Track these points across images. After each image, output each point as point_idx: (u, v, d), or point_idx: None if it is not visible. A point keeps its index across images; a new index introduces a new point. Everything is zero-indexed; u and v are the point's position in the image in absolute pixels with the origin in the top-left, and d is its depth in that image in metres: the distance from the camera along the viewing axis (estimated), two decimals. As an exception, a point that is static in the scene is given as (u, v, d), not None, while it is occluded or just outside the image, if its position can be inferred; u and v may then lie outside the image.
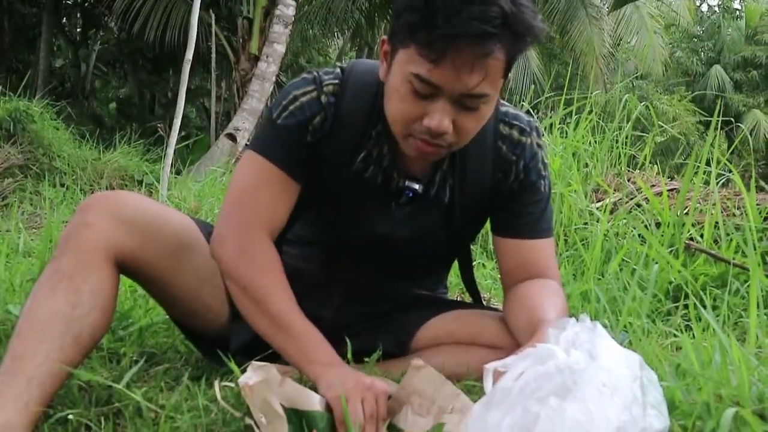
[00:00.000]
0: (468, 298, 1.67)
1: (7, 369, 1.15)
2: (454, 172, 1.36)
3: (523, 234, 1.39)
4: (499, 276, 1.49)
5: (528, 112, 3.79)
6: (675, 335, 1.57)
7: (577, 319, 1.09)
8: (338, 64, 1.39)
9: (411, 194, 1.36)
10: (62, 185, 5.72)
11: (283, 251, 1.41)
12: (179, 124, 5.80)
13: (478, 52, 1.09)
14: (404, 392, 1.19)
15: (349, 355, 1.32)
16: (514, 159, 1.36)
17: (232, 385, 1.24)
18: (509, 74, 1.21)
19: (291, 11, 8.63)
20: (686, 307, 1.80)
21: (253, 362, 1.20)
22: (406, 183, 1.36)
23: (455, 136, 1.20)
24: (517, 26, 1.11)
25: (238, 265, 1.30)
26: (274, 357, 1.34)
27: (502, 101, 1.36)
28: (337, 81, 1.34)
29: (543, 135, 1.38)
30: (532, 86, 10.65)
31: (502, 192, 1.38)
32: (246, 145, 7.52)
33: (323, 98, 1.32)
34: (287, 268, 1.32)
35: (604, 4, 13.25)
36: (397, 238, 1.40)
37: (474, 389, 1.26)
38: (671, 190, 2.82)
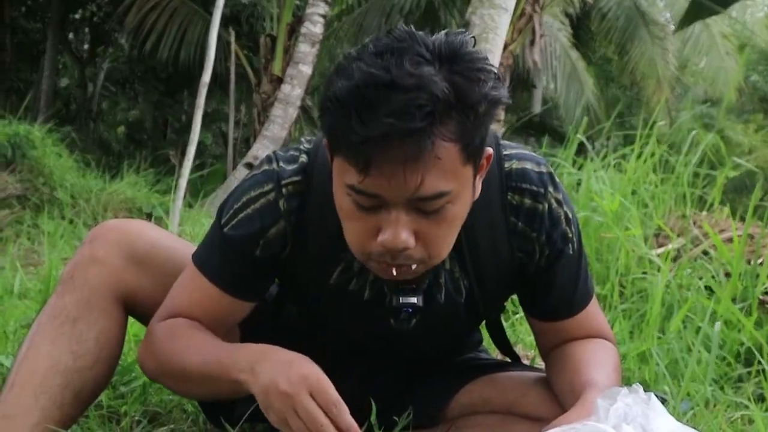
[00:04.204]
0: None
1: (-1, 427, 1.18)
2: (466, 269, 1.27)
3: (560, 315, 1.33)
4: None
5: (582, 143, 3.79)
6: (746, 406, 1.55)
7: (630, 389, 1.09)
8: (304, 144, 1.26)
9: (410, 310, 1.24)
10: (63, 218, 5.80)
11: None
12: (194, 151, 5.85)
13: (407, 153, 0.98)
14: None
15: (373, 418, 1.32)
16: (534, 236, 1.25)
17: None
18: (483, 150, 1.09)
19: (319, 29, 8.72)
20: (760, 373, 1.78)
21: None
22: (401, 300, 1.22)
23: (423, 250, 1.09)
24: (462, 103, 1.00)
25: (147, 353, 1.29)
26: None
27: (504, 147, 1.25)
28: (300, 177, 1.22)
29: (557, 182, 1.26)
30: (585, 116, 10.65)
31: (528, 271, 1.29)
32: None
33: (282, 204, 1.21)
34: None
35: (669, 22, 13.25)
36: (406, 348, 1.34)
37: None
38: (745, 235, 2.79)
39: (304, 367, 1.09)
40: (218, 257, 1.25)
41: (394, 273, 1.11)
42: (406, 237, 1.05)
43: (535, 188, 1.23)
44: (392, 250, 1.06)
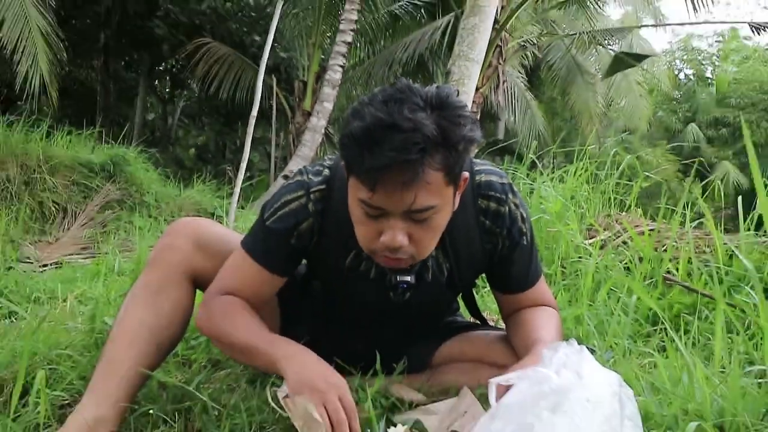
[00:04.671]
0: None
1: (102, 370, 1.18)
2: (447, 256, 1.27)
3: (517, 289, 1.33)
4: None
5: (533, 162, 3.78)
6: (652, 355, 1.55)
7: (568, 343, 1.09)
8: (327, 162, 1.27)
9: (406, 286, 1.25)
10: (150, 216, 5.83)
11: (302, 311, 1.38)
12: (245, 167, 5.87)
13: (405, 177, 1.01)
14: (455, 413, 1.19)
15: (378, 366, 1.32)
16: (498, 230, 1.25)
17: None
18: (460, 176, 1.11)
19: (338, 76, 8.72)
20: (662, 331, 1.77)
21: None
22: (399, 278, 1.24)
23: (414, 248, 1.11)
24: (444, 143, 1.02)
25: (204, 320, 1.27)
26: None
27: (476, 164, 1.25)
28: (324, 186, 1.22)
29: (516, 191, 1.27)
30: (536, 141, 10.62)
31: (494, 258, 1.29)
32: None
33: (311, 206, 1.22)
34: (312, 324, 1.28)
35: (597, 72, 13.21)
36: (404, 312, 1.33)
37: (481, 399, 1.26)
38: (652, 230, 2.78)
39: (337, 377, 1.11)
40: (262, 244, 1.25)
41: (394, 263, 1.13)
42: (401, 239, 1.08)
43: (499, 195, 1.24)
44: (390, 248, 1.09)
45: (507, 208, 1.25)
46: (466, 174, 1.14)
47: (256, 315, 1.25)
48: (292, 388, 1.09)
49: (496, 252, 1.28)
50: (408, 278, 1.24)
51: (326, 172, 1.24)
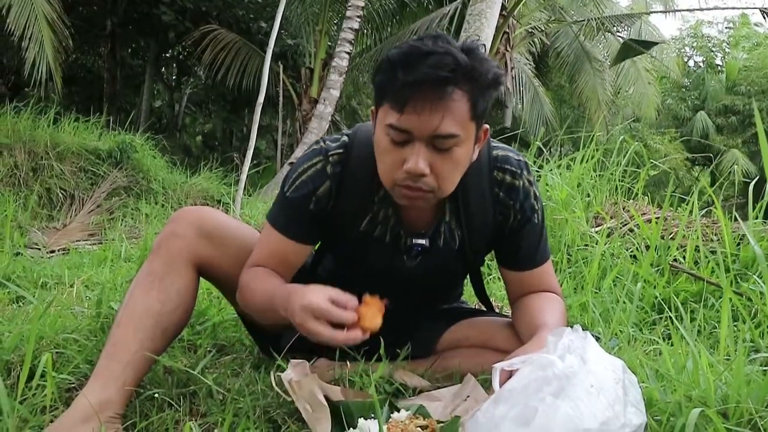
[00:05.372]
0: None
1: (108, 353, 1.19)
2: (460, 224, 1.30)
3: (524, 266, 1.34)
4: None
5: (540, 149, 3.76)
6: (656, 343, 1.55)
7: (572, 329, 1.09)
8: (345, 131, 1.31)
9: (420, 249, 1.30)
10: (156, 203, 5.84)
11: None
12: (251, 154, 5.86)
13: (435, 94, 1.07)
14: (458, 398, 1.21)
15: (382, 351, 1.33)
16: (511, 203, 1.28)
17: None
18: (483, 121, 1.16)
19: (345, 63, 8.69)
20: (668, 319, 1.77)
21: (291, 360, 1.21)
22: (413, 241, 1.29)
23: (434, 180, 1.13)
24: (472, 72, 1.08)
25: (239, 294, 1.30)
26: (318, 353, 1.36)
27: (493, 143, 1.30)
28: (342, 150, 1.27)
29: (531, 170, 1.31)
30: (543, 128, 10.55)
31: (504, 230, 1.31)
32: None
33: (329, 168, 1.25)
34: None
35: (606, 59, 13.10)
36: (414, 280, 1.35)
37: (485, 384, 1.26)
38: (660, 218, 2.77)
39: (305, 299, 1.10)
40: (284, 215, 1.29)
41: (414, 195, 1.15)
42: (423, 165, 1.10)
43: (514, 169, 1.28)
44: (413, 173, 1.11)
45: (521, 183, 1.28)
46: (487, 126, 1.19)
47: (276, 275, 1.28)
48: (295, 319, 1.10)
49: (507, 224, 1.31)
50: (422, 241, 1.29)
51: (344, 138, 1.29)
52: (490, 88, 1.12)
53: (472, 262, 1.41)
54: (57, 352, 1.42)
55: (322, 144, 1.29)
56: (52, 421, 1.12)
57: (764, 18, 10.19)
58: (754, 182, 2.25)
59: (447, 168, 1.13)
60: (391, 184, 1.17)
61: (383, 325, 1.37)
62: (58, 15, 6.86)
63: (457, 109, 1.09)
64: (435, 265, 1.34)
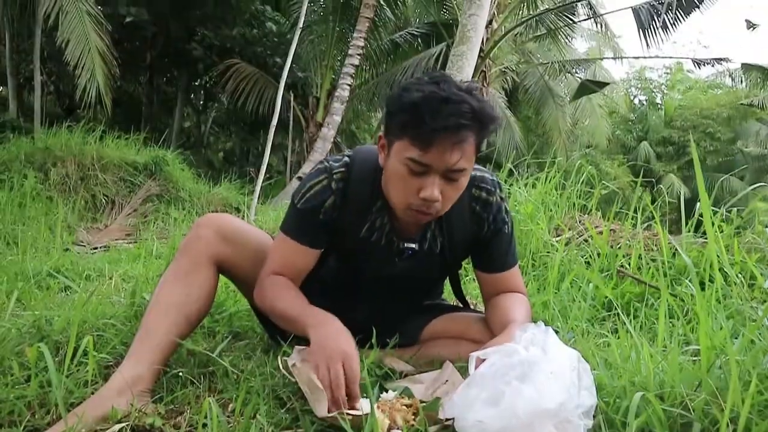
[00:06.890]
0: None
1: (141, 337, 1.18)
2: (442, 231, 1.31)
3: (496, 269, 1.35)
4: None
5: (510, 170, 3.77)
6: (606, 336, 1.55)
7: (536, 324, 1.09)
8: (346, 152, 1.30)
9: (410, 252, 1.31)
10: (184, 209, 5.82)
11: (315, 285, 1.36)
12: (265, 169, 5.89)
13: (456, 139, 1.07)
14: (438, 382, 1.20)
15: (374, 340, 1.32)
16: (485, 216, 1.30)
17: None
18: (479, 152, 1.17)
19: (347, 93, 8.73)
20: (616, 315, 1.77)
21: (296, 347, 1.20)
22: (405, 245, 1.30)
23: (441, 203, 1.15)
24: (482, 117, 1.10)
25: (259, 296, 1.29)
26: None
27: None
28: (344, 169, 1.26)
29: (503, 188, 1.32)
30: (514, 152, 10.60)
31: (479, 239, 1.33)
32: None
33: (333, 184, 1.24)
34: (322, 297, 1.27)
35: (566, 96, 13.20)
36: (402, 278, 1.36)
37: (461, 370, 1.26)
38: (610, 230, 2.78)
39: (349, 346, 1.09)
40: (296, 224, 1.28)
41: (422, 217, 1.17)
42: (437, 194, 1.12)
43: (489, 187, 1.30)
44: (429, 200, 1.12)
45: (495, 199, 1.30)
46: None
47: (296, 289, 1.27)
48: (311, 351, 1.10)
49: (482, 233, 1.32)
50: (413, 245, 1.30)
51: (346, 159, 1.28)
52: (490, 127, 1.13)
53: (450, 264, 1.41)
54: (97, 335, 1.40)
55: (326, 164, 1.28)
56: (92, 393, 1.10)
57: (695, 66, 10.38)
58: (685, 202, 2.26)
59: (453, 194, 1.16)
60: (404, 206, 1.17)
61: (375, 317, 1.38)
62: (108, 48, 6.95)
63: (469, 148, 1.11)
64: (420, 266, 1.34)
